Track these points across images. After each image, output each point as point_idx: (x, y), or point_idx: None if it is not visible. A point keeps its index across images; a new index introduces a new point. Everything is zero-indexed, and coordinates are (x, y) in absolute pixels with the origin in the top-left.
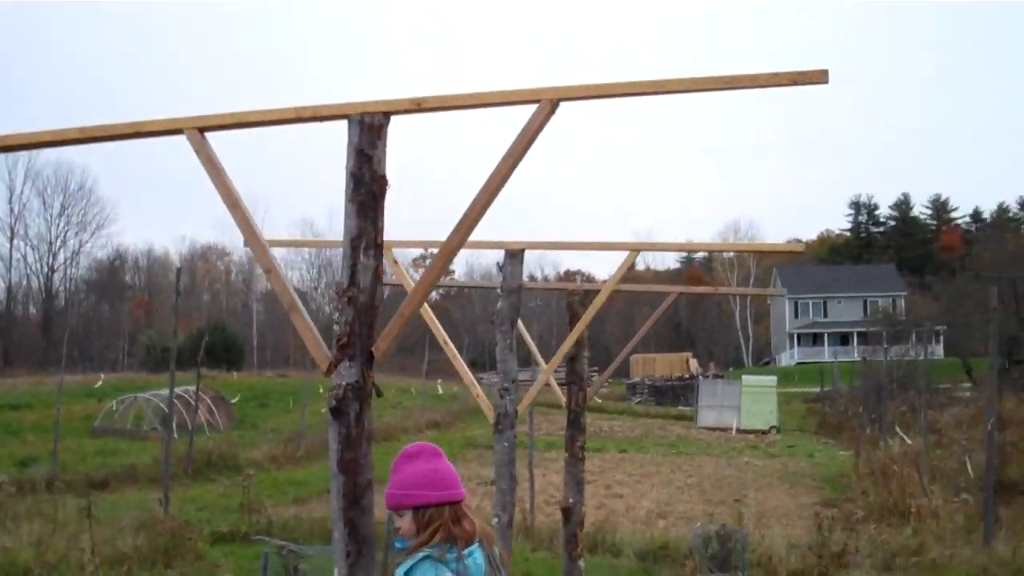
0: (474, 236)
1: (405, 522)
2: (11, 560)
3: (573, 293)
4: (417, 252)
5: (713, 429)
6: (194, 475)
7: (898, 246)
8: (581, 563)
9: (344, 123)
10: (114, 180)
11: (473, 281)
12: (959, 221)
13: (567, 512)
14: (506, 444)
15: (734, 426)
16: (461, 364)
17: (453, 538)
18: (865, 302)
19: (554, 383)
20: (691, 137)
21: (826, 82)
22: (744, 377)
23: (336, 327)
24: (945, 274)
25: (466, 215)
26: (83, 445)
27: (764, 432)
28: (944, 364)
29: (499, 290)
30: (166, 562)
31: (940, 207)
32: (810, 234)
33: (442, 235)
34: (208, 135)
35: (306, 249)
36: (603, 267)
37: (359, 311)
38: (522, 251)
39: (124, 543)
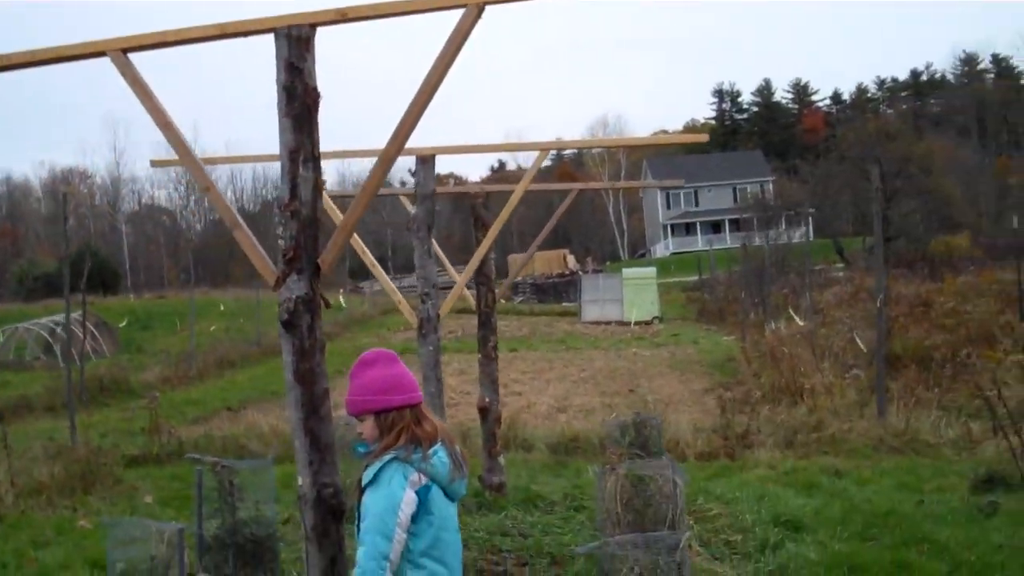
0: (354, 145)
1: (367, 427)
2: None
3: (476, 196)
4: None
5: (598, 323)
6: (88, 402)
7: (762, 132)
8: (501, 459)
9: (270, 38)
10: None
11: (391, 189)
12: (820, 104)
13: (484, 411)
14: (430, 348)
15: (619, 319)
16: (383, 275)
17: (417, 439)
18: (734, 189)
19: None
20: (552, 35)
21: None
22: (624, 270)
23: (281, 242)
24: (810, 157)
25: (402, 123)
26: None
27: (647, 323)
28: (816, 246)
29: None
30: (85, 488)
31: (801, 91)
32: (676, 124)
33: (365, 145)
34: (133, 57)
35: (173, 168)
36: (474, 170)
37: (303, 224)
38: (433, 157)
39: (39, 472)
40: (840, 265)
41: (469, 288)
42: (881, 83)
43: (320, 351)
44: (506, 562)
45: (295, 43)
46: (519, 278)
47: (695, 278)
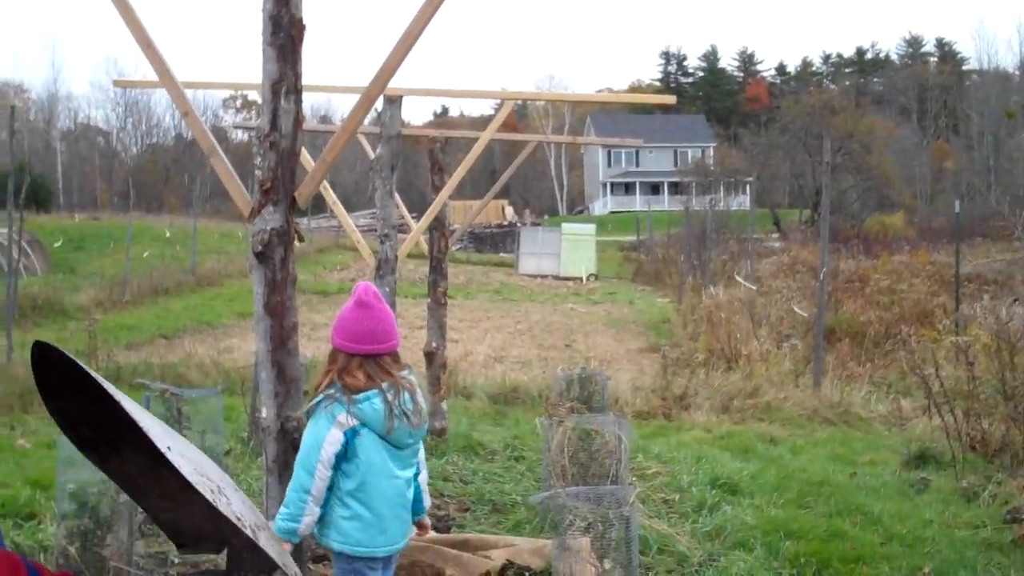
0: (346, 81)
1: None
2: None
3: (434, 141)
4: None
5: (534, 276)
6: (19, 321)
7: (707, 97)
8: (444, 405)
9: None
10: None
11: (343, 128)
12: (765, 74)
13: (430, 356)
14: (387, 289)
15: (555, 274)
16: (344, 214)
17: (344, 384)
18: (675, 152)
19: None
20: None
21: None
22: (564, 225)
23: (258, 172)
24: (753, 126)
25: (386, 64)
26: None
27: (583, 280)
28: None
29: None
30: (22, 407)
31: (747, 60)
32: (620, 84)
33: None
34: None
35: (111, 89)
36: (416, 114)
37: (281, 156)
38: (400, 98)
39: None
40: (776, 235)
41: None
42: (826, 58)
43: (291, 284)
44: (448, 507)
45: None
46: (455, 225)
47: (632, 238)
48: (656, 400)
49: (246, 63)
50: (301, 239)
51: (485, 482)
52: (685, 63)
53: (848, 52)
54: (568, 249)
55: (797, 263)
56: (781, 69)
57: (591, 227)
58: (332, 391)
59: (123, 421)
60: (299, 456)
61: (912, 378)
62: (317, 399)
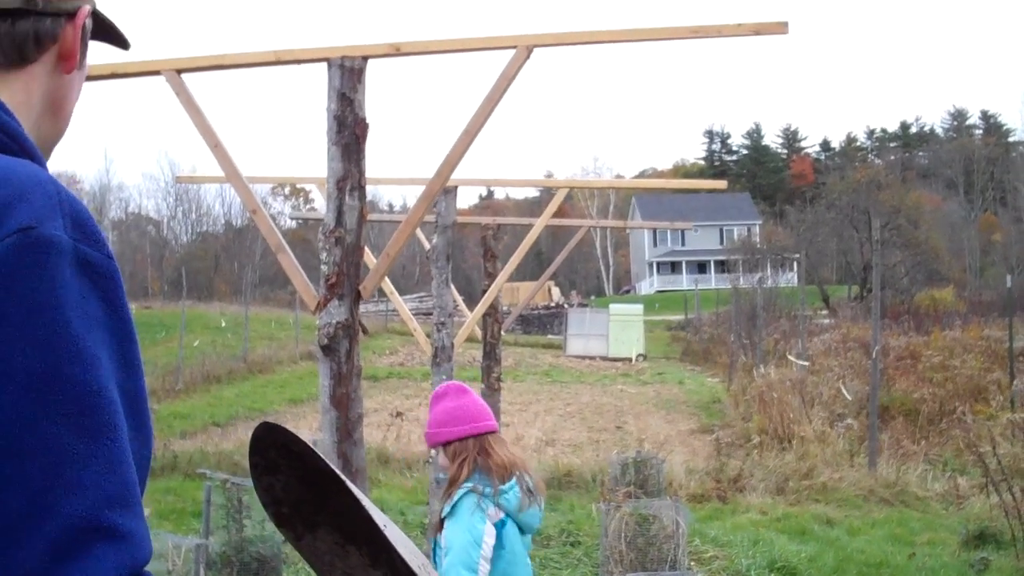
0: (402, 172)
1: (442, 458)
2: None
3: (487, 228)
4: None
5: (582, 357)
6: None
7: (751, 174)
8: None
9: (323, 67)
10: None
11: (406, 221)
12: (809, 150)
13: None
14: (444, 376)
15: (603, 355)
16: (400, 302)
17: (488, 469)
18: (722, 230)
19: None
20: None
21: (785, 32)
22: (611, 306)
23: (324, 267)
24: (798, 202)
25: (448, 158)
26: None
27: (631, 360)
28: (799, 292)
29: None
30: None
31: (791, 137)
32: (665, 164)
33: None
34: (185, 77)
35: (163, 179)
36: (460, 199)
37: (346, 251)
38: (456, 188)
39: None
40: (824, 312)
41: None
42: (870, 133)
43: (356, 376)
44: None
45: (348, 74)
46: (504, 307)
47: (680, 317)
48: (710, 482)
49: (294, 153)
50: (366, 332)
51: (542, 568)
52: (729, 141)
53: (892, 126)
54: (616, 330)
55: (848, 340)
56: (825, 145)
57: (639, 307)
58: (474, 483)
59: (337, 502)
60: (452, 556)
61: (968, 456)
62: (462, 492)
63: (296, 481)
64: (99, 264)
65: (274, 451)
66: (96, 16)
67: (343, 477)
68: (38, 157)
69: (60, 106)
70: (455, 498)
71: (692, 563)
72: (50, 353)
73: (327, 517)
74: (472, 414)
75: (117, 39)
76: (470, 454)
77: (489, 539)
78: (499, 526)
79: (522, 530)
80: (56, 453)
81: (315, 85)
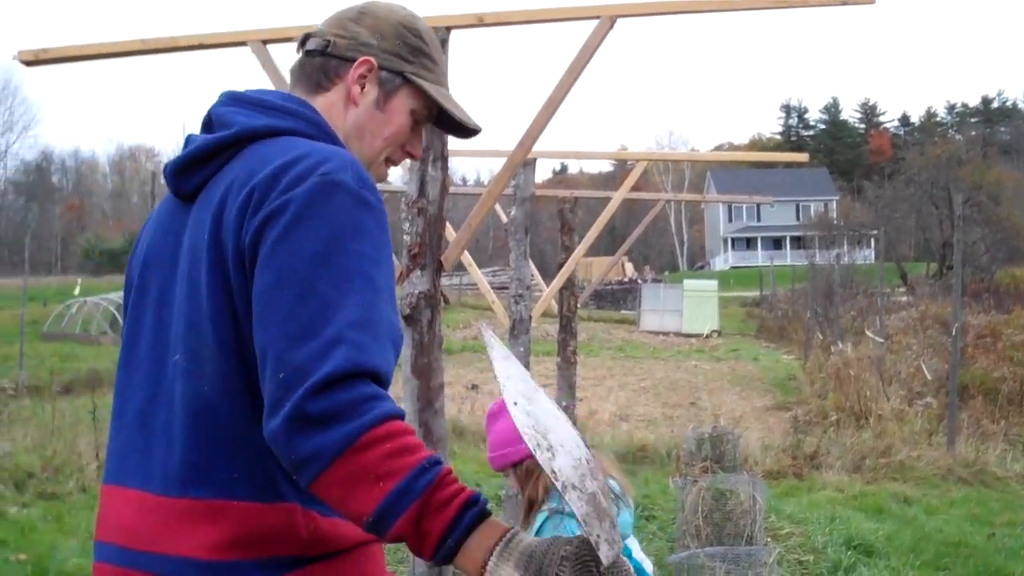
0: (483, 145)
1: (512, 480)
2: (15, 464)
3: (564, 201)
4: None
5: (656, 333)
6: None
7: (828, 149)
8: None
9: None
10: (38, 79)
11: (487, 193)
12: (888, 125)
13: None
14: (521, 349)
15: (677, 331)
16: (479, 274)
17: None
18: (798, 206)
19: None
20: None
21: (873, 2)
22: (686, 281)
23: (406, 237)
24: (876, 178)
25: (530, 130)
26: (37, 349)
27: (705, 336)
28: (878, 269)
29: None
30: None
31: (869, 111)
32: (741, 138)
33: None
34: (271, 48)
35: None
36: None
37: (429, 222)
38: (534, 160)
39: None
40: (902, 290)
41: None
42: (951, 108)
43: (438, 346)
44: None
45: None
46: (585, 284)
47: (755, 293)
48: (786, 459)
49: None
50: (447, 302)
51: None
52: (806, 116)
53: (973, 101)
54: (690, 305)
55: (926, 318)
56: (904, 120)
57: (713, 283)
58: (554, 503)
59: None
60: None
61: None
62: (543, 517)
63: None
64: (372, 202)
65: None
66: (424, 93)
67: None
68: (343, 145)
69: (361, 134)
70: (536, 524)
71: (768, 539)
72: (325, 244)
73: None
74: None
75: (458, 125)
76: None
77: None
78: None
79: None
80: (323, 300)
81: None
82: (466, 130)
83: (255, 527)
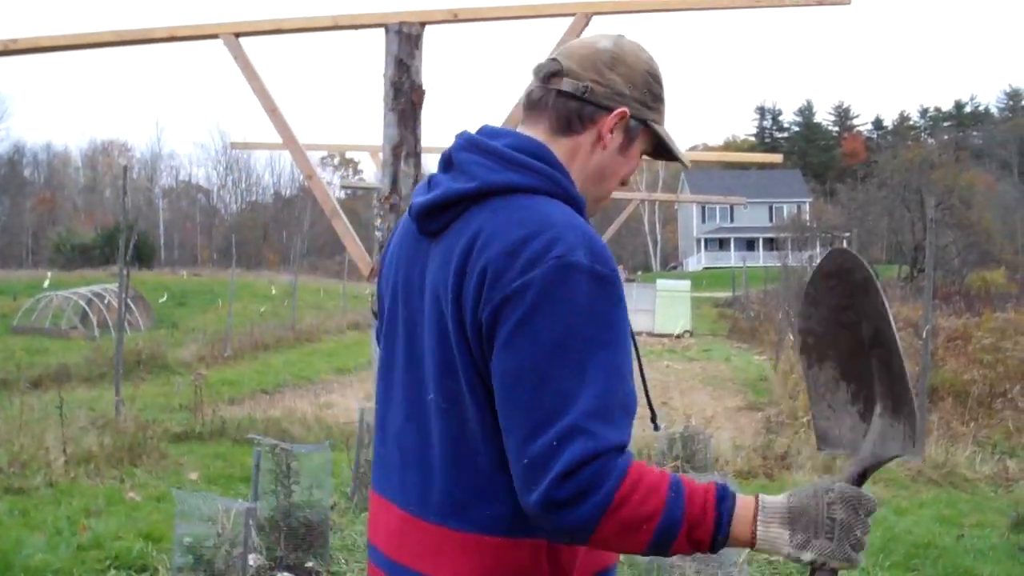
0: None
1: None
2: None
3: None
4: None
5: None
6: (125, 375)
7: (802, 152)
8: None
9: (381, 32)
10: (9, 72)
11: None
12: (861, 128)
13: None
14: None
15: (649, 331)
16: None
17: None
18: (771, 208)
19: None
20: None
21: (848, 3)
22: (658, 281)
23: (378, 233)
24: (849, 181)
25: (504, 125)
26: (6, 343)
27: (677, 336)
28: None
29: None
30: (131, 460)
31: (843, 114)
32: (716, 139)
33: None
34: (243, 41)
35: (213, 147)
36: None
37: (400, 217)
38: None
39: (90, 441)
40: None
41: None
42: (924, 112)
43: None
44: None
45: (405, 40)
46: None
47: (727, 294)
48: (757, 459)
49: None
50: None
51: None
52: (780, 118)
53: (946, 105)
54: (663, 305)
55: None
56: (878, 123)
57: (686, 283)
58: None
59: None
60: None
61: (1018, 438)
62: None
63: (831, 316)
64: (606, 275)
65: (834, 279)
66: (654, 134)
67: (889, 316)
68: (578, 202)
69: (601, 176)
70: None
71: None
72: (563, 334)
73: (837, 353)
74: None
75: (672, 157)
76: None
77: None
78: None
79: None
80: (561, 391)
81: (365, 51)
82: (674, 159)
83: (506, 562)
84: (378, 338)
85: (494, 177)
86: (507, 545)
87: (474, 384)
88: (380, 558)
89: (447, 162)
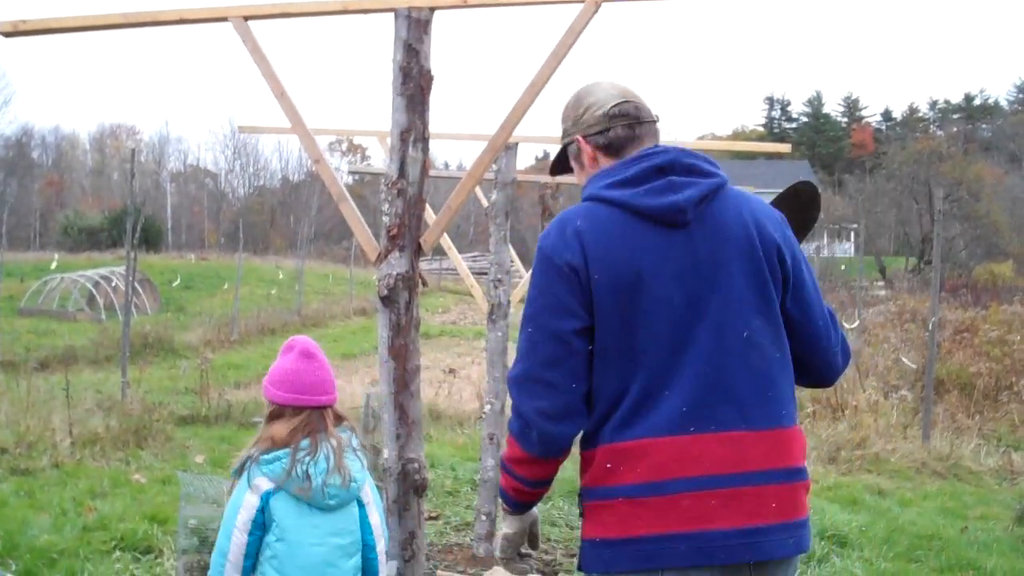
0: (461, 129)
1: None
2: None
3: (546, 187)
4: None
5: None
6: (131, 358)
7: (810, 142)
8: None
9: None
10: (19, 54)
11: (468, 175)
12: (870, 120)
13: None
14: (499, 334)
15: None
16: (458, 258)
17: (270, 439)
18: None
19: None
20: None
21: None
22: None
23: (385, 218)
24: (858, 172)
25: (512, 112)
26: (13, 325)
27: None
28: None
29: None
30: (137, 443)
31: (852, 105)
32: (724, 129)
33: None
34: (252, 24)
35: (222, 131)
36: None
37: (408, 203)
38: (516, 145)
39: (97, 423)
40: (881, 283)
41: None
42: (933, 104)
43: (415, 328)
44: (555, 552)
45: (414, 24)
46: None
47: None
48: None
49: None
50: (425, 284)
51: None
52: (789, 108)
53: (956, 98)
54: None
55: (904, 312)
56: (887, 115)
57: None
58: (254, 450)
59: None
60: (223, 519)
61: (1023, 431)
62: (242, 458)
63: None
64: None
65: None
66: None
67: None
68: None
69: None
70: (238, 462)
71: None
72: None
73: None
74: (284, 381)
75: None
76: (270, 421)
77: (245, 511)
78: (266, 497)
79: (322, 510)
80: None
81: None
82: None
83: (801, 441)
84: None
85: (722, 174)
86: (800, 431)
87: (780, 316)
88: (715, 480)
89: (669, 167)
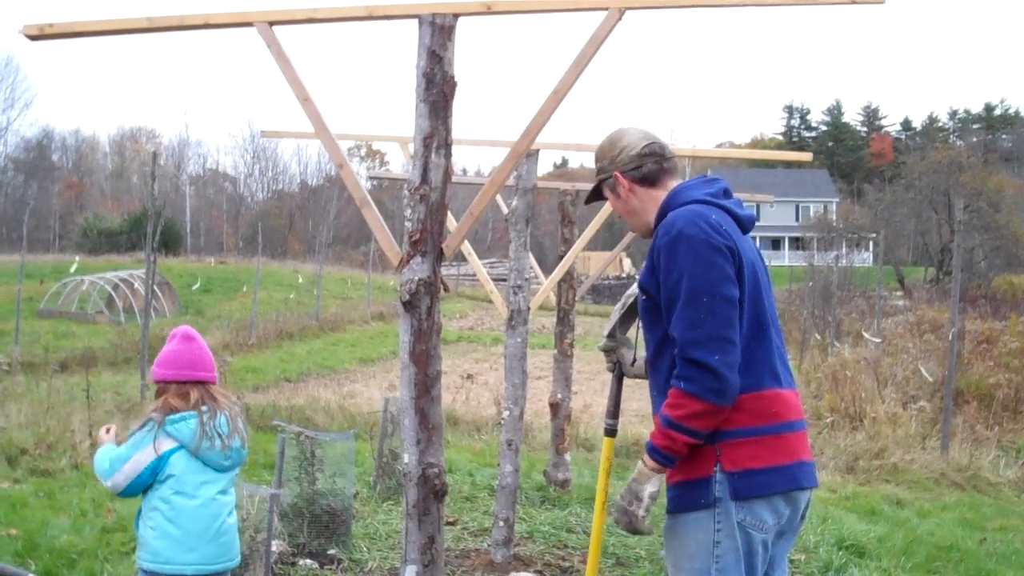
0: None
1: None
2: (8, 440)
3: (565, 193)
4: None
5: None
6: (150, 360)
7: (829, 151)
8: (567, 457)
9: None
10: (40, 57)
11: (491, 181)
12: (889, 129)
13: (556, 407)
14: (518, 340)
15: None
16: (478, 264)
17: (170, 407)
18: (797, 207)
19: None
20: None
21: (882, 2)
22: None
23: (408, 224)
24: (877, 181)
25: (535, 119)
26: (33, 326)
27: None
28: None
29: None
30: None
31: (871, 115)
32: (743, 138)
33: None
34: (277, 30)
35: (241, 136)
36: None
37: (431, 209)
38: (537, 151)
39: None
40: (899, 293)
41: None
42: (953, 114)
43: (436, 333)
44: (572, 558)
45: (438, 31)
46: (584, 277)
47: None
48: None
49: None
50: (447, 289)
51: (609, 535)
52: (808, 117)
53: (976, 108)
54: None
55: (923, 322)
56: (906, 124)
57: None
58: (156, 415)
59: None
60: (128, 442)
61: None
62: (143, 422)
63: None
64: (687, 235)
65: None
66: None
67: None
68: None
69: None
70: (139, 425)
71: None
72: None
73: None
74: (182, 362)
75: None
76: (169, 393)
77: (144, 456)
78: (167, 455)
79: (211, 467)
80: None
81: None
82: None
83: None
84: (743, 298)
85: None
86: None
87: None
88: (799, 424)
89: (726, 191)
